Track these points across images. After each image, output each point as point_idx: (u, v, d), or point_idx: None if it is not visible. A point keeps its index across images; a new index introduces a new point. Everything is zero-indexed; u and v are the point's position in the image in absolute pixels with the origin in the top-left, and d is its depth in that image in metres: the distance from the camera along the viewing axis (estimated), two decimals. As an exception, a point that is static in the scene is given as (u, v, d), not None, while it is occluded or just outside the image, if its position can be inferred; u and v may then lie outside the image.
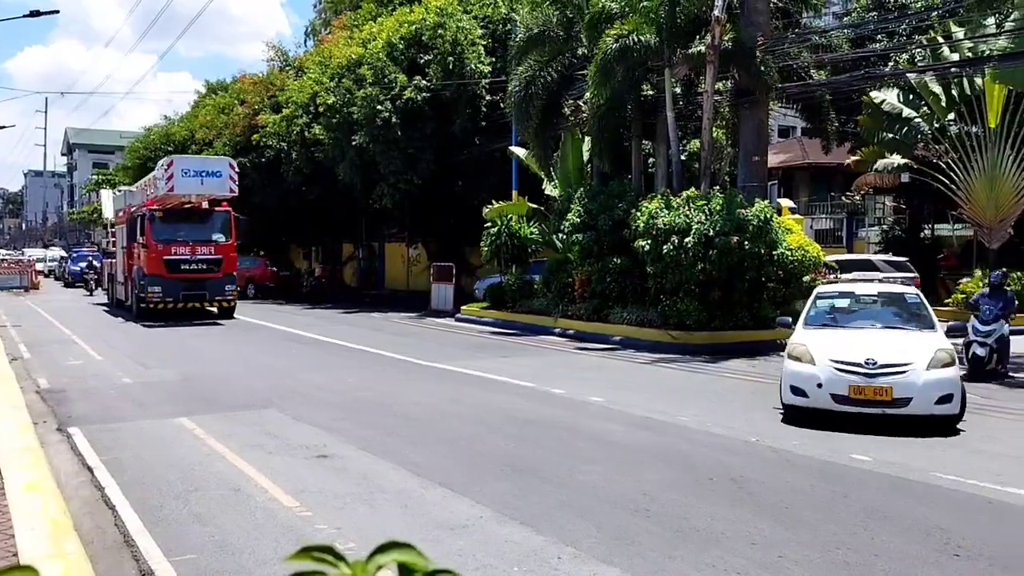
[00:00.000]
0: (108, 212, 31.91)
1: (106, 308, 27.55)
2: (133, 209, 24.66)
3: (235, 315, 23.39)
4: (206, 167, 21.96)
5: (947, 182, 21.09)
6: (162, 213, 22.49)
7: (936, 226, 27.68)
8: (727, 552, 5.34)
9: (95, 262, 38.09)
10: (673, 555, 5.30)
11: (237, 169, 22.61)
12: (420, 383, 12.42)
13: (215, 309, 23.58)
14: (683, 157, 20.86)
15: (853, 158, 24.33)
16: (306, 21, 46.35)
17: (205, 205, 23.44)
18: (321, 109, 28.43)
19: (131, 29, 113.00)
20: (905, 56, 22.98)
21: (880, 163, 21.89)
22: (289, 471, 7.28)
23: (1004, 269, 14.92)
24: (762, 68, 17.87)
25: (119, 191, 31.65)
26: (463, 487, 6.76)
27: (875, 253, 26.41)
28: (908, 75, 21.34)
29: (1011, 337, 12.77)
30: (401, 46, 27.27)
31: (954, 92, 20.70)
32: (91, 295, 35.26)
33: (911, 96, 21.62)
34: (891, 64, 23.41)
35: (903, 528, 5.82)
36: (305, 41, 48.35)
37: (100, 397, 11.12)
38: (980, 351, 12.31)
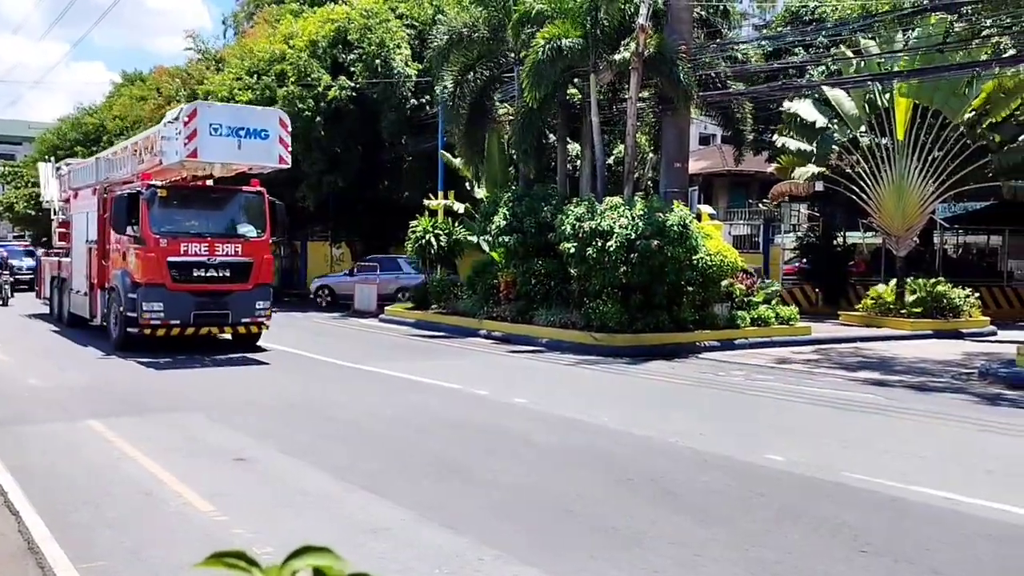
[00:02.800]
0: (51, 192, 23.05)
1: (55, 328, 19.48)
2: (111, 186, 17.19)
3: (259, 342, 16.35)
4: (246, 122, 14.77)
5: (858, 191, 21.86)
6: (166, 192, 15.14)
7: (848, 233, 28.70)
8: (647, 551, 5.42)
9: (16, 260, 31.12)
10: (595, 555, 5.36)
11: (290, 128, 15.42)
12: (344, 384, 12.27)
13: (229, 335, 15.97)
14: (608, 161, 21.14)
15: (773, 166, 25.02)
16: (227, 13, 45.30)
17: (209, 181, 16.71)
18: None
19: (42, 16, 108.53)
20: (820, 68, 23.74)
21: (798, 171, 22.56)
22: (205, 475, 7.10)
23: None
24: (683, 77, 18.23)
25: (69, 164, 22.48)
26: (386, 490, 6.70)
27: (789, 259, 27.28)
28: (822, 87, 22.04)
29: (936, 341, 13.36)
30: (325, 45, 26.91)
31: (865, 105, 21.48)
32: (5, 305, 26.38)
33: (824, 109, 22.34)
34: (807, 76, 24.15)
35: (814, 526, 6.01)
36: (225, 33, 47.38)
37: (7, 399, 10.65)
38: None
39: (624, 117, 19.86)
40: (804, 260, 27.85)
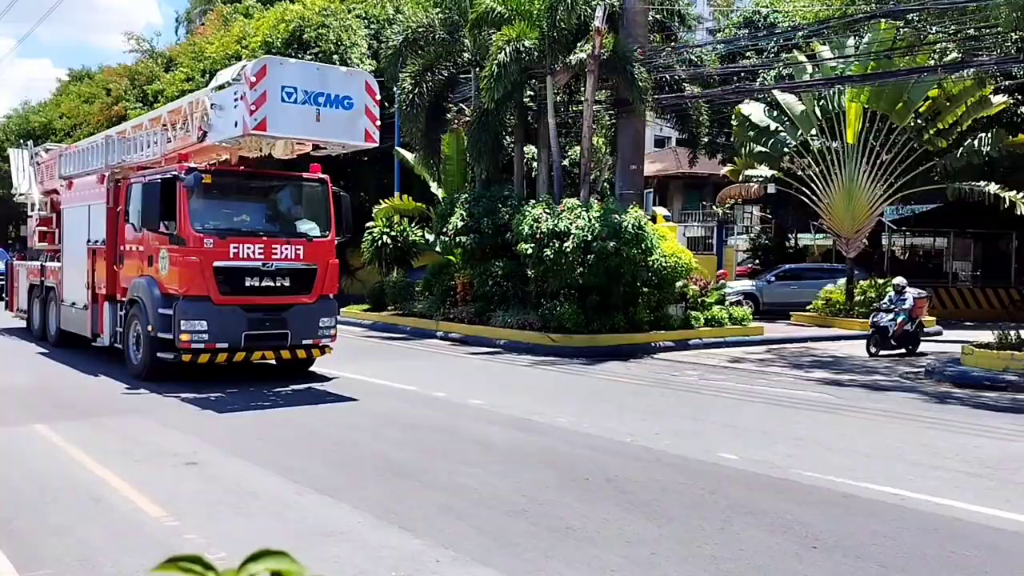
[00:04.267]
0: (29, 185, 19.19)
1: (42, 351, 15.29)
2: (124, 171, 13.64)
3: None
4: (327, 85, 11.22)
5: (809, 194, 22.26)
6: (210, 178, 11.88)
7: (799, 235, 29.22)
8: (602, 550, 5.47)
9: None
10: (550, 555, 5.38)
11: (378, 95, 11.99)
12: (298, 386, 12.15)
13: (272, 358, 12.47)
14: (564, 163, 21.23)
15: (726, 168, 25.37)
16: (179, 10, 44.62)
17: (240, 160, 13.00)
18: None
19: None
20: (773, 73, 24.12)
21: (749, 173, 22.89)
22: (156, 479, 6.98)
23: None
24: (639, 79, 18.39)
25: (52, 149, 19.06)
26: (341, 492, 6.66)
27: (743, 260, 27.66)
28: (774, 91, 22.41)
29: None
30: (279, 45, 26.65)
31: (816, 109, 21.88)
32: None
33: (776, 112, 22.71)
34: (760, 80, 24.52)
35: (766, 523, 6.11)
36: (176, 30, 46.67)
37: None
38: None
39: (580, 119, 19.98)
40: (757, 261, 28.30)
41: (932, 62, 19.59)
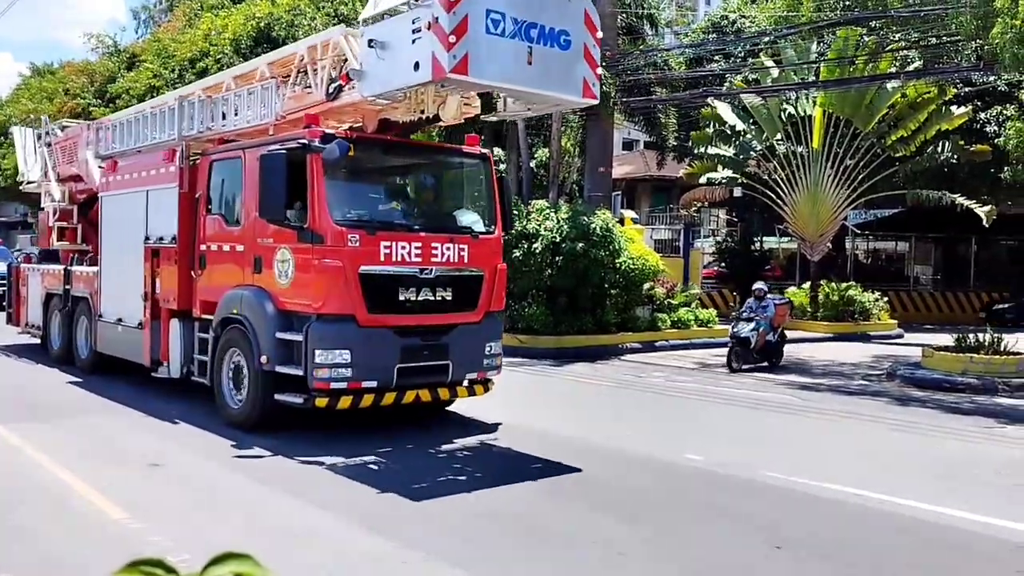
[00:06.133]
0: (41, 171, 15.37)
1: (74, 379, 11.91)
2: (204, 145, 10.60)
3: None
4: (539, 14, 7.67)
5: (775, 197, 22.50)
6: (349, 149, 8.29)
7: (765, 238, 29.53)
8: (572, 550, 5.47)
9: None
10: (520, 555, 5.37)
11: (599, 33, 8.33)
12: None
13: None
14: (533, 165, 21.27)
15: (683, 170, 25.55)
16: (139, 7, 43.74)
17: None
18: None
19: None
20: (740, 77, 24.36)
21: (709, 175, 23.04)
22: (120, 481, 6.85)
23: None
24: (607, 82, 18.47)
25: (96, 122, 14.83)
26: (307, 492, 6.59)
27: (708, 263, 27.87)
28: (741, 95, 22.62)
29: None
30: (249, 42, 26.39)
31: (782, 113, 22.13)
32: None
33: (743, 114, 22.91)
34: (727, 84, 24.75)
35: (733, 523, 6.15)
36: (138, 28, 46.05)
37: None
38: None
39: (549, 121, 20.03)
40: (723, 264, 28.54)
41: (894, 69, 19.91)
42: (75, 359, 12.94)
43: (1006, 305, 26.02)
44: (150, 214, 10.94)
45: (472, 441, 8.71)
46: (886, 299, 22.92)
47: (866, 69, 19.94)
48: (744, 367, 14.76)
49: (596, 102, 8.64)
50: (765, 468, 7.68)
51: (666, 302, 18.54)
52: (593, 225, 16.44)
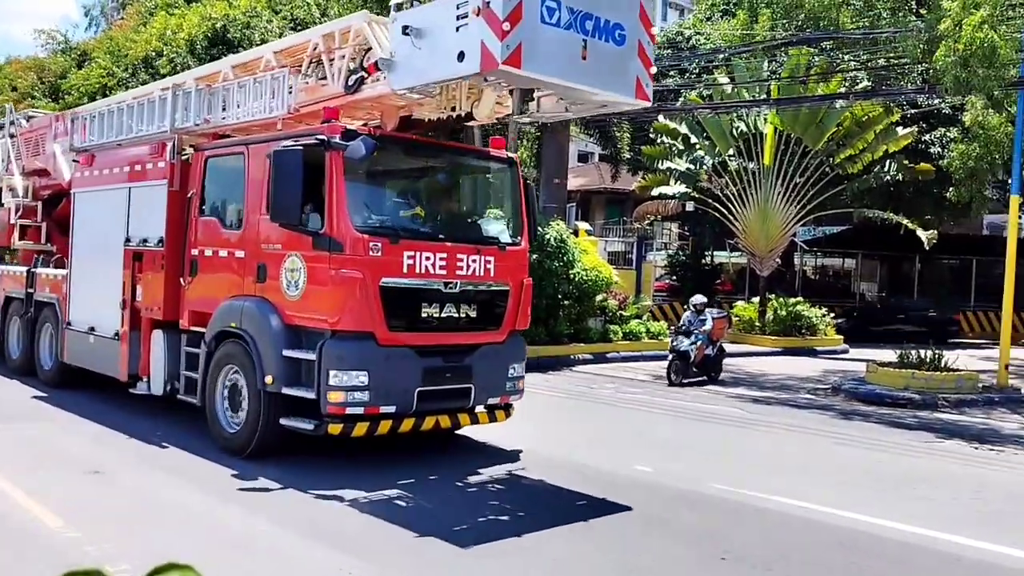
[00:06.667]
0: (2, 164, 14.08)
1: (39, 394, 10.71)
2: (199, 139, 9.53)
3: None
4: (595, 5, 6.86)
5: (726, 212, 22.83)
6: (376, 147, 7.53)
7: (715, 253, 29.93)
8: (517, 561, 5.47)
9: None
10: (464, 566, 5.35)
11: (654, 28, 7.70)
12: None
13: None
14: (488, 175, 21.26)
15: (635, 183, 25.80)
16: (91, 3, 42.80)
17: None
18: None
19: None
20: (695, 92, 24.72)
21: (660, 189, 23.30)
22: (56, 489, 6.68)
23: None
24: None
25: (69, 112, 13.19)
26: (250, 502, 6.50)
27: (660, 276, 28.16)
28: (694, 111, 22.94)
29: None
30: (204, 43, 26.07)
31: (735, 129, 22.49)
32: None
33: (696, 127, 23.21)
34: (681, 100, 25.11)
35: (678, 534, 6.21)
36: (89, 26, 45.11)
37: None
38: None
39: (506, 132, 20.10)
40: (674, 278, 28.85)
41: (844, 89, 20.38)
42: (37, 371, 11.82)
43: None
44: (132, 213, 9.89)
45: (497, 471, 7.95)
46: (833, 315, 23.36)
47: (817, 88, 20.38)
48: (684, 381, 14.80)
49: (649, 104, 7.89)
50: (711, 479, 7.77)
51: (618, 314, 18.69)
52: (548, 236, 16.52)
